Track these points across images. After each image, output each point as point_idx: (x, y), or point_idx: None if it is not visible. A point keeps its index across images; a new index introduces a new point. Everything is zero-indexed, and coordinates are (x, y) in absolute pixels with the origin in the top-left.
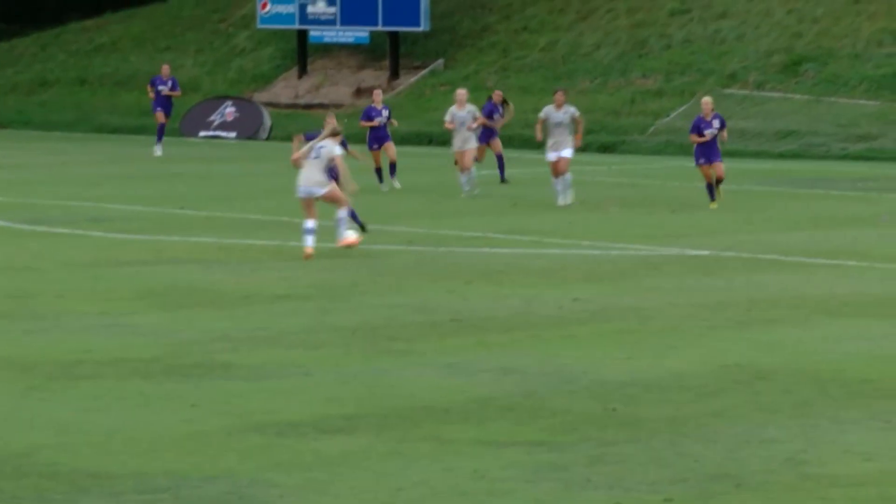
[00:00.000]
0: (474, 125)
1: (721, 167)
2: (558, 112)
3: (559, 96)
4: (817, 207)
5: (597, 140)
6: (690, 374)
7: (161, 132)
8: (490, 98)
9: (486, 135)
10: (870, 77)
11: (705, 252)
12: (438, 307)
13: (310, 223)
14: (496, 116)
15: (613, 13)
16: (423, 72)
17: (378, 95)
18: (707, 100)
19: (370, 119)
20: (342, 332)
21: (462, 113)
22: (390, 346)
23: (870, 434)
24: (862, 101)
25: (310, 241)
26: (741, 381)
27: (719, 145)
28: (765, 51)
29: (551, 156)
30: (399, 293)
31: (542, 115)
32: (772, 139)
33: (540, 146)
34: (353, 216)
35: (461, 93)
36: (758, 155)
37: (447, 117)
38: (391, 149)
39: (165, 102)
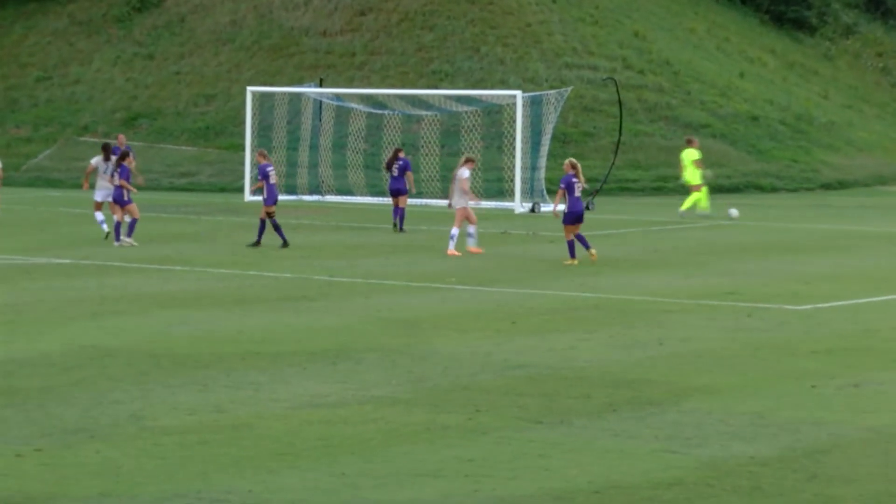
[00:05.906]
0: None
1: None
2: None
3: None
4: (150, 228)
5: None
6: (55, 354)
7: None
8: None
9: None
10: (189, 129)
11: (67, 261)
12: None
13: None
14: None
15: None
16: None
17: None
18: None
19: None
20: None
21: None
22: None
23: (192, 395)
24: (184, 147)
25: None
26: (94, 357)
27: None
28: (110, 108)
29: None
30: None
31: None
32: None
33: None
34: None
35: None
36: None
37: None
38: None
39: None
